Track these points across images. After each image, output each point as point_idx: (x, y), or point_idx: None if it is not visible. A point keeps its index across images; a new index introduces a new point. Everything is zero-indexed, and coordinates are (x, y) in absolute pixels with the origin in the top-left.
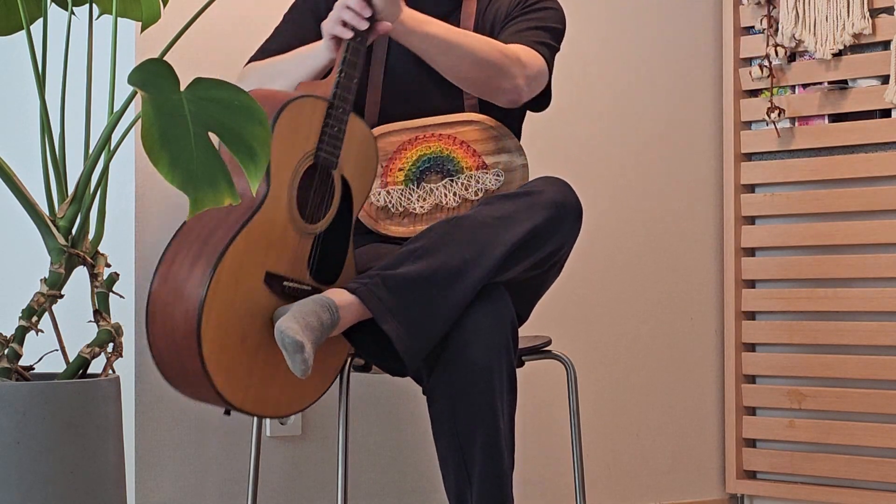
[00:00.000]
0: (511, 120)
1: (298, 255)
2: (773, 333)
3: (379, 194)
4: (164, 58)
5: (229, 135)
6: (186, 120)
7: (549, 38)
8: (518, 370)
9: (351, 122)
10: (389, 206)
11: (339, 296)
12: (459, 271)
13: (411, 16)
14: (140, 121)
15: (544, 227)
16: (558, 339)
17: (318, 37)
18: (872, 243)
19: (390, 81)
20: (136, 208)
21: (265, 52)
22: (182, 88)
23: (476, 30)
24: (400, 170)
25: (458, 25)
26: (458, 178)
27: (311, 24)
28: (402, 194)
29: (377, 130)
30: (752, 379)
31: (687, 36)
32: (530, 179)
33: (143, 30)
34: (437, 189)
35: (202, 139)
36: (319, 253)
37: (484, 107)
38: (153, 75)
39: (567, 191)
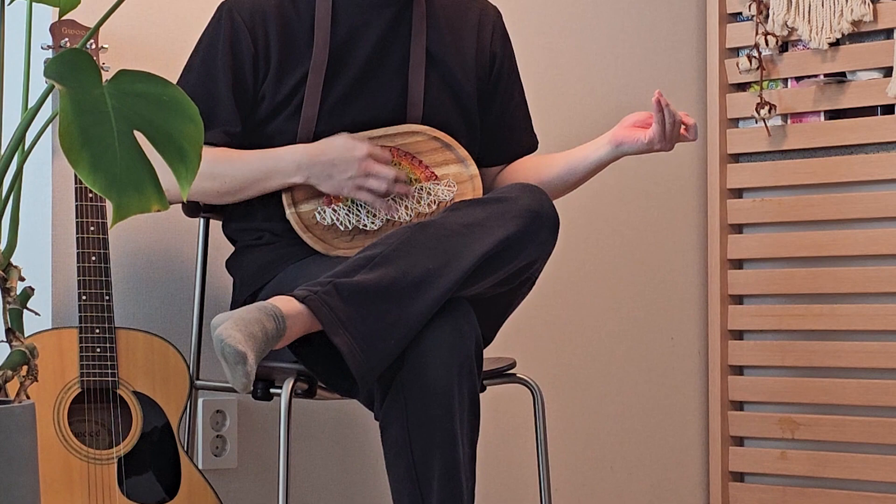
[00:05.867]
0: (458, 135)
1: (98, 484)
2: (762, 355)
3: (324, 213)
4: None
5: (157, 133)
6: (109, 117)
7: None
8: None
9: (128, 336)
10: (337, 223)
11: (285, 304)
12: (421, 283)
13: None
14: (57, 118)
15: (517, 238)
16: (523, 361)
17: (252, 84)
18: (873, 254)
19: (333, 68)
20: (54, 215)
21: (213, 123)
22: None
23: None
24: None
25: (409, 23)
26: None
27: (248, 80)
28: (349, 211)
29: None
30: (739, 405)
31: (668, 24)
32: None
33: (60, 17)
34: (387, 203)
35: (127, 138)
36: (142, 470)
37: (427, 118)
38: (72, 67)
39: (543, 199)
